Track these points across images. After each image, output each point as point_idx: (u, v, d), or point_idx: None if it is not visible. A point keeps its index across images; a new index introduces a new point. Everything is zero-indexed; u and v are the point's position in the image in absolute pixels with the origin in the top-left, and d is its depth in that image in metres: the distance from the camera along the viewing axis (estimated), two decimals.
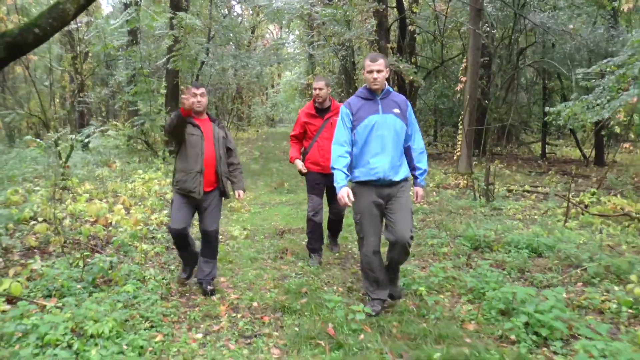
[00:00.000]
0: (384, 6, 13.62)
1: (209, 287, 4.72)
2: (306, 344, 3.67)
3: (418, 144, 4.32)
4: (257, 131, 32.42)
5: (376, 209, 4.15)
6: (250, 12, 27.00)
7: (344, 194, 3.92)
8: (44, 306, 3.89)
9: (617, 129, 10.81)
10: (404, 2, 16.61)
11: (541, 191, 10.99)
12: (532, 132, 25.13)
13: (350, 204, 3.96)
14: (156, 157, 13.98)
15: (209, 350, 3.62)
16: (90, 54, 20.33)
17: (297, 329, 3.93)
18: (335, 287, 4.97)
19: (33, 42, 4.65)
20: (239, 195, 4.92)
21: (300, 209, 9.07)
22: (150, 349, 3.53)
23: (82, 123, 19.72)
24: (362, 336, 3.77)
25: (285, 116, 46.74)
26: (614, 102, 10.92)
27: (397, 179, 4.12)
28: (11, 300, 3.97)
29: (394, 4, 14.78)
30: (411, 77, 13.56)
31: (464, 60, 13.45)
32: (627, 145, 12.03)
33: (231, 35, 20.76)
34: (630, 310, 4.16)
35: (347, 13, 13.82)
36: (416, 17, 16.73)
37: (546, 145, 20.65)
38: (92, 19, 16.60)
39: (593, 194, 9.45)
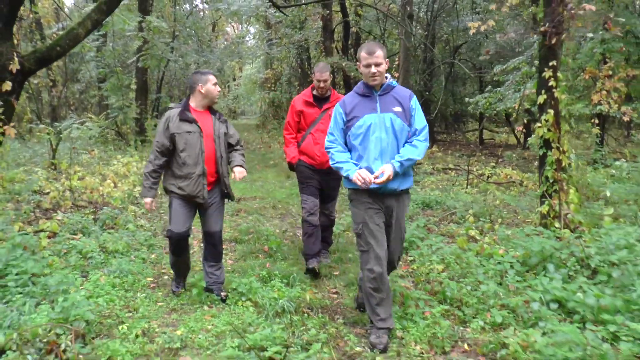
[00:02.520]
0: (328, 12, 15.62)
1: (222, 293, 4.37)
2: (250, 256, 5.70)
3: (418, 136, 3.62)
4: None
5: (379, 218, 3.60)
6: (211, 7, 28.60)
7: (363, 173, 3.40)
8: (74, 238, 5.80)
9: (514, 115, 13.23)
10: (351, 7, 18.61)
11: (462, 168, 13.22)
12: (475, 121, 27.60)
13: (374, 181, 3.39)
14: (128, 145, 15.70)
15: None
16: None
17: (244, 249, 5.95)
18: (272, 229, 6.98)
19: (55, 57, 6.53)
20: (235, 175, 4.29)
21: (255, 185, 11.02)
22: (149, 260, 5.50)
23: (55, 116, 21.17)
24: (284, 249, 5.83)
25: (247, 108, 48.20)
26: (516, 94, 13.30)
27: (400, 187, 3.59)
28: (51, 236, 5.86)
29: (339, 9, 16.81)
30: (352, 74, 15.64)
31: (397, 58, 15.55)
32: (519, 128, 14.42)
33: (193, 32, 22.48)
34: (467, 233, 6.26)
35: (296, 18, 15.78)
36: (362, 18, 18.83)
37: (483, 132, 23.07)
38: (69, 23, 18.07)
39: (493, 167, 11.70)
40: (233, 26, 42.07)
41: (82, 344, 3.38)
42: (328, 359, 3.32)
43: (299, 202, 8.74)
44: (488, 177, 11.17)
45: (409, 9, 13.74)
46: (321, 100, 5.22)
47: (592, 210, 6.29)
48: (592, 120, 12.11)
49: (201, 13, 28.38)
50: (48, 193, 8.06)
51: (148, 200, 4.30)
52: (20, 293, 3.99)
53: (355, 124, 3.58)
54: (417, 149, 3.53)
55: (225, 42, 31.12)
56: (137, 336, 3.58)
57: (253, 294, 4.27)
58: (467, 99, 15.56)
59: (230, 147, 4.51)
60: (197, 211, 4.40)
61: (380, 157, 3.52)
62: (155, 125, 15.98)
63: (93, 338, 3.53)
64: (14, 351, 3.07)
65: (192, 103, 4.33)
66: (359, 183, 3.39)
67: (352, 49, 17.35)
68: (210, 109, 4.40)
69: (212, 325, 3.81)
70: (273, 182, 11.40)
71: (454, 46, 21.06)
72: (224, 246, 5.28)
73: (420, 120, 3.63)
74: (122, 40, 17.51)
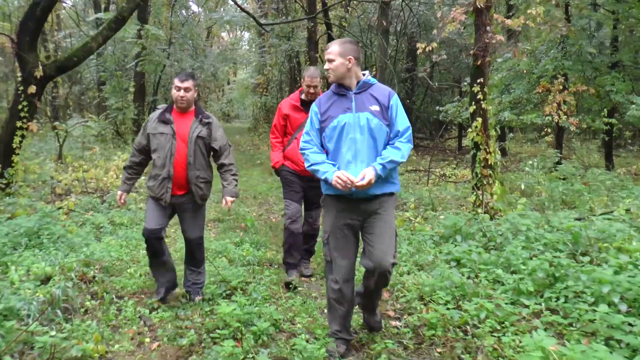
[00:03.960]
0: (312, 24, 17.00)
1: (197, 297, 4.32)
2: (230, 231, 7.03)
3: (400, 137, 3.39)
4: None
5: (348, 230, 3.43)
6: (205, 17, 29.95)
7: (341, 174, 3.18)
8: (87, 214, 7.11)
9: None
10: (335, 19, 20.00)
11: (426, 169, 14.59)
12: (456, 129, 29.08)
13: (356, 184, 3.16)
14: (126, 143, 16.99)
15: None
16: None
17: (225, 226, 7.28)
18: (249, 211, 8.31)
19: (72, 65, 7.87)
20: (225, 203, 4.26)
21: (240, 180, 12.32)
22: None
23: (57, 116, 22.44)
24: (257, 226, 7.17)
25: (241, 112, 49.43)
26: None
27: (375, 192, 3.32)
28: (67, 212, 7.16)
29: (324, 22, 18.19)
30: None
31: (374, 69, 16.91)
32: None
33: (189, 39, 23.81)
34: (406, 216, 7.57)
35: (284, 29, 17.14)
36: (347, 29, 20.23)
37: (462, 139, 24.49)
38: (74, 31, 19.39)
39: (453, 168, 13.09)
40: (228, 31, 43.44)
41: (104, 276, 4.71)
42: (274, 282, 4.67)
43: (277, 194, 10.15)
44: (448, 176, 12.55)
45: (384, 23, 15.08)
46: (308, 104, 4.92)
47: (510, 200, 7.66)
48: (545, 130, 13.55)
49: (197, 19, 29.77)
50: (59, 181, 9.36)
51: (120, 192, 4.36)
52: (53, 247, 5.31)
53: (330, 124, 3.38)
54: (400, 151, 3.32)
55: (220, 48, 32.45)
56: (140, 275, 4.91)
57: (227, 253, 5.61)
58: (437, 107, 16.94)
59: (217, 156, 4.32)
60: (177, 215, 4.36)
61: (355, 159, 3.30)
62: None
63: (110, 276, 4.85)
64: (58, 278, 4.39)
65: (173, 100, 4.24)
66: (339, 186, 3.17)
67: None
68: (196, 110, 4.27)
69: None
70: (257, 179, 12.74)
71: (443, 53, 22.44)
72: (208, 225, 6.55)
73: (402, 120, 3.40)
74: (120, 45, 18.78)
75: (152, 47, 17.11)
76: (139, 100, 18.32)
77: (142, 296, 4.51)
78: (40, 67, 7.44)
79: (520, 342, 3.42)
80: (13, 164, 7.64)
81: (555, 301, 4.09)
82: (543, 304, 4.08)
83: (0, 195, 7.29)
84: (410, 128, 3.44)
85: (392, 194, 3.46)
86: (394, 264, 3.35)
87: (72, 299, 4.02)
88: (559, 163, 12.18)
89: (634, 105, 11.84)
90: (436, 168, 14.79)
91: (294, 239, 5.09)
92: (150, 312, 4.11)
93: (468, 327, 3.78)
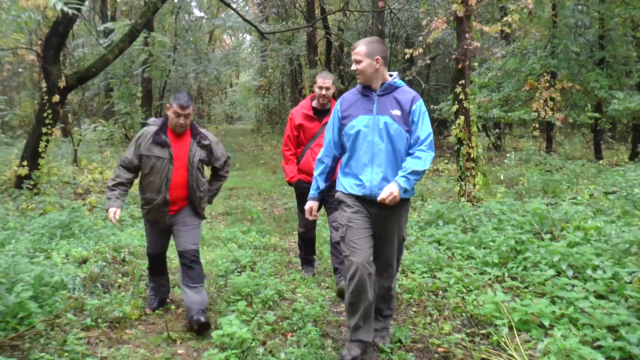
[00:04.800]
0: (311, 29, 17.80)
1: (201, 317, 3.79)
2: (237, 223, 7.79)
3: (420, 145, 3.29)
4: (217, 128, 36.18)
5: (364, 218, 3.33)
6: (208, 22, 30.75)
7: (307, 208, 3.45)
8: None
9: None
10: (335, 20, 20.79)
11: None
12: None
13: (311, 219, 3.45)
14: None
15: None
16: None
17: (233, 218, 8.05)
18: (254, 205, 9.07)
19: (91, 76, 8.66)
20: None
21: (246, 178, 13.12)
22: None
23: (66, 121, 23.26)
24: (262, 217, 7.94)
25: (244, 114, 50.11)
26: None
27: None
28: (90, 209, 7.93)
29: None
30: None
31: None
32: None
33: (193, 46, 24.63)
34: None
35: (284, 34, 17.99)
36: (345, 32, 21.06)
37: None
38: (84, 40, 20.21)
39: (446, 163, 13.84)
40: (230, 35, 44.17)
41: (132, 258, 5.50)
42: (278, 262, 5.45)
43: (280, 190, 10.92)
44: (441, 171, 13.31)
45: (380, 27, 15.82)
46: (321, 113, 4.86)
47: (492, 190, 8.40)
48: (533, 125, 14.28)
49: (200, 24, 30.56)
50: (76, 183, 10.14)
51: (112, 209, 3.90)
52: (84, 236, 6.08)
53: (349, 123, 3.33)
54: (421, 160, 3.23)
55: (223, 51, 33.20)
56: None
57: (236, 240, 6.38)
58: (431, 106, 17.67)
59: (215, 169, 4.24)
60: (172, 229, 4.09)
61: (371, 163, 3.25)
62: None
63: (136, 258, 5.63)
64: (94, 260, 5.17)
65: (169, 123, 3.93)
66: (307, 214, 3.57)
67: (334, 61, 19.56)
68: (191, 130, 4.00)
69: (212, 253, 5.91)
70: (261, 177, 13.53)
71: (429, 58, 23.25)
72: (218, 218, 7.29)
73: (424, 127, 3.29)
74: (127, 52, 19.57)
75: (158, 53, 17.92)
76: (146, 104, 19.15)
77: None
78: (63, 78, 8.22)
79: (480, 300, 4.17)
80: (39, 167, 8.43)
81: (516, 270, 4.84)
82: (506, 272, 4.84)
83: (29, 195, 8.08)
84: (432, 135, 3.32)
85: (406, 200, 3.36)
86: (396, 276, 3.33)
87: (108, 276, 4.79)
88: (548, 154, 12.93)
89: (616, 100, 12.57)
90: (432, 164, 15.49)
91: (307, 243, 5.22)
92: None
93: (440, 291, 4.54)
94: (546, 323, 3.69)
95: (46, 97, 8.26)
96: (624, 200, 6.51)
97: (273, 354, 3.47)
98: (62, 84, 8.18)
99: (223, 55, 31.48)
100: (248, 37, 40.58)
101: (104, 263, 5.00)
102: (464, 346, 3.60)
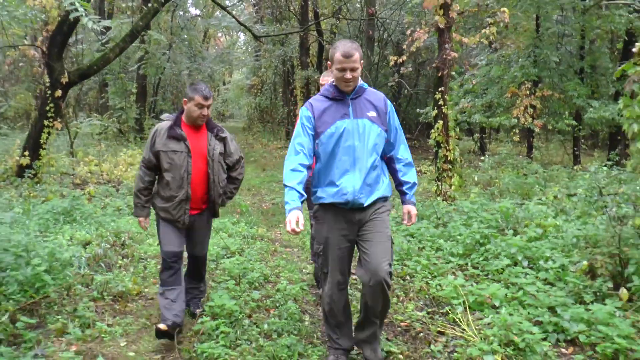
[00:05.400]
0: (303, 32, 18.34)
1: (197, 309, 4.11)
2: (227, 215, 8.30)
3: (403, 153, 3.44)
4: None
5: (345, 241, 3.32)
6: (204, 22, 31.20)
7: (293, 218, 3.00)
8: (107, 198, 8.37)
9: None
10: (328, 24, 21.34)
11: None
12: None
13: (297, 231, 2.99)
14: (128, 141, 18.24)
15: None
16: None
17: (222, 211, 8.57)
18: (244, 199, 9.58)
19: (92, 73, 9.14)
20: None
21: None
22: None
23: (62, 115, 23.64)
24: (251, 210, 8.46)
25: (235, 112, 50.42)
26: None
27: (370, 201, 3.24)
28: (89, 198, 8.41)
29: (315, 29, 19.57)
30: None
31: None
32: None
33: (186, 41, 25.10)
34: None
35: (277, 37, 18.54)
36: (337, 34, 21.62)
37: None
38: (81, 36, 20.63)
39: (429, 165, 14.42)
40: (224, 33, 44.55)
41: (132, 242, 6.00)
42: (264, 250, 5.98)
43: (268, 186, 11.44)
44: (424, 172, 13.89)
45: (371, 32, 16.42)
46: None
47: (467, 190, 8.97)
48: (514, 131, 14.90)
49: (195, 22, 30.98)
50: (74, 174, 10.61)
51: (141, 218, 3.96)
52: (85, 222, 6.57)
53: (326, 131, 3.21)
54: (412, 167, 3.47)
55: (217, 49, 33.64)
56: (158, 245, 6.17)
57: (226, 230, 6.89)
58: (417, 110, 18.27)
59: (228, 169, 4.06)
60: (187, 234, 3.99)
61: (353, 167, 3.19)
62: (153, 125, 18.58)
63: (135, 243, 6.13)
64: (97, 242, 5.67)
65: (184, 117, 3.87)
66: (287, 228, 3.01)
67: (325, 63, 20.09)
68: (208, 123, 3.93)
69: None
70: (251, 174, 14.02)
71: (417, 62, 23.88)
72: None
73: (397, 128, 3.40)
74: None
75: (154, 51, 18.39)
76: (140, 100, 19.59)
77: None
78: (66, 74, 8.69)
79: (442, 284, 4.72)
80: (40, 157, 8.90)
81: (478, 260, 5.40)
82: (469, 262, 5.40)
83: (30, 183, 8.55)
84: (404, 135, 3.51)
85: (385, 198, 3.37)
86: (390, 273, 3.19)
87: (110, 257, 5.29)
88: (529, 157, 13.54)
89: (591, 109, 13.21)
90: (417, 166, 16.11)
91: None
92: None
93: (408, 277, 5.09)
94: (497, 304, 4.25)
95: (49, 92, 8.72)
96: (584, 202, 7.09)
97: (257, 325, 4.00)
98: (64, 79, 8.65)
99: (217, 53, 31.94)
100: (242, 37, 41.13)
101: (107, 245, 5.50)
102: (424, 322, 4.15)
